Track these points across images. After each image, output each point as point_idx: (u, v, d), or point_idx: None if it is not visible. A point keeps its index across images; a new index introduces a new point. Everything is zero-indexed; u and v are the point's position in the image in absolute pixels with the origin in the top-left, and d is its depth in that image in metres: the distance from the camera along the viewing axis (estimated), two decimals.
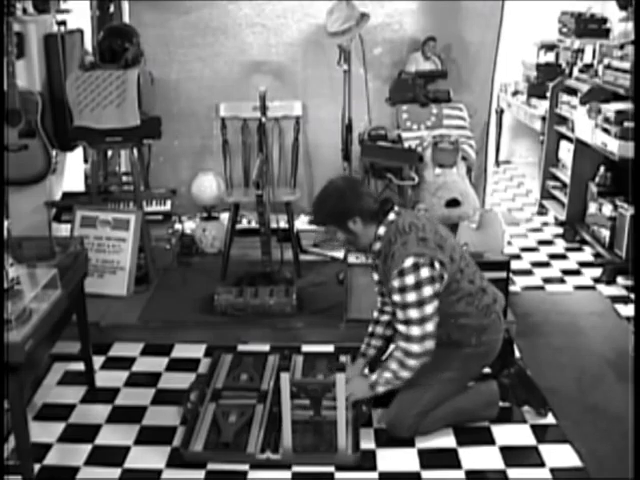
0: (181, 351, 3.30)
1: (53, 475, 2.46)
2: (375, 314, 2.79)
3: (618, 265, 4.06)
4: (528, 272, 4.21)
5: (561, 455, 2.54)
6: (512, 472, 2.46)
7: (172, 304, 3.55)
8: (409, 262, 2.35)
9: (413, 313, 2.37)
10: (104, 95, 3.48)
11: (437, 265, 2.37)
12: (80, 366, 2.98)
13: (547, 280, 4.11)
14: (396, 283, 2.38)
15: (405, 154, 3.62)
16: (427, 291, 2.35)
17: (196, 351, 3.28)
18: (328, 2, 3.72)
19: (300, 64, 4.12)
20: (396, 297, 2.40)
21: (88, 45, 3.98)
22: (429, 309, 2.37)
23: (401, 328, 2.42)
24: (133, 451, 2.58)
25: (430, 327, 2.39)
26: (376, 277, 2.66)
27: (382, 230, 2.49)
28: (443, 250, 2.42)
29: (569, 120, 4.76)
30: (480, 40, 4.05)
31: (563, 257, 4.46)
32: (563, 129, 4.90)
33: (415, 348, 2.40)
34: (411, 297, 2.35)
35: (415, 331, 2.39)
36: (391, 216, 2.49)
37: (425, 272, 2.34)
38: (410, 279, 2.34)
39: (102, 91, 3.48)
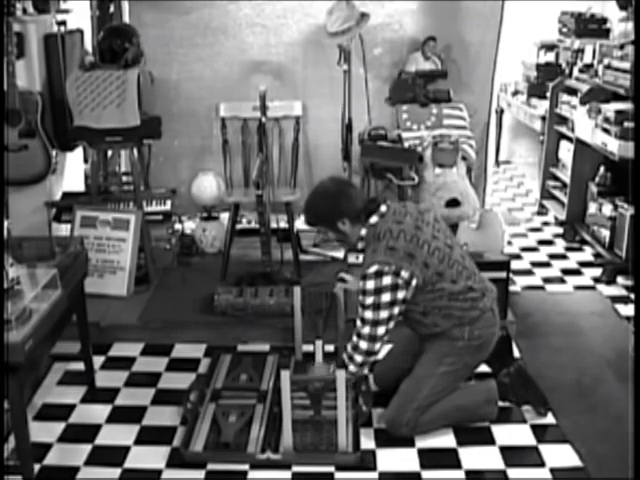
0: (181, 351, 3.30)
1: (53, 475, 2.46)
2: None
3: (618, 265, 4.06)
4: (528, 272, 4.21)
5: (561, 455, 2.54)
6: (512, 472, 2.46)
7: (172, 304, 3.55)
8: (372, 269, 2.45)
9: (368, 314, 2.48)
10: (104, 95, 3.48)
11: (404, 273, 2.44)
12: (80, 366, 2.98)
13: (547, 280, 4.11)
14: (360, 285, 2.50)
15: (405, 154, 3.62)
16: (385, 297, 2.44)
17: (196, 351, 3.28)
18: (328, 2, 3.72)
19: (300, 64, 4.12)
20: (359, 297, 2.52)
21: (88, 45, 3.98)
22: (384, 314, 2.46)
23: (357, 323, 2.54)
24: (133, 451, 2.58)
25: (381, 331, 2.49)
26: None
27: (364, 232, 2.58)
28: (414, 258, 2.46)
29: (569, 120, 4.76)
30: (480, 40, 4.05)
31: (563, 257, 4.46)
32: (563, 129, 4.90)
33: (363, 345, 2.52)
34: (369, 300, 2.46)
35: (366, 330, 2.49)
36: (373, 219, 2.57)
37: (387, 280, 2.43)
38: (370, 284, 2.44)
39: (102, 91, 3.47)
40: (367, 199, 2.66)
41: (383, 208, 2.58)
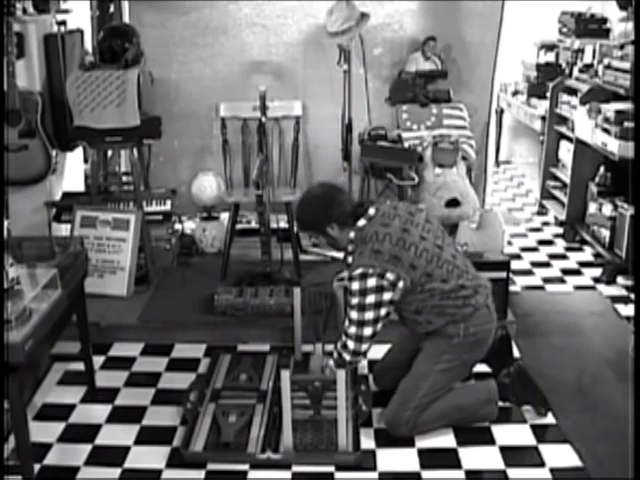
0: (181, 351, 3.30)
1: (53, 475, 2.47)
2: None
3: (618, 265, 4.05)
4: (528, 272, 4.21)
5: (561, 455, 2.54)
6: (512, 472, 2.46)
7: (172, 304, 3.55)
8: (357, 272, 2.49)
9: (354, 314, 2.51)
10: (104, 95, 3.48)
11: (389, 275, 2.46)
12: (80, 366, 2.98)
13: (547, 280, 4.11)
14: (347, 285, 2.56)
15: (405, 154, 3.63)
16: (370, 299, 2.47)
17: (196, 351, 3.28)
18: (328, 2, 3.72)
19: (300, 64, 4.13)
20: (348, 297, 2.57)
21: (88, 45, 3.98)
22: (369, 315, 2.49)
23: (346, 323, 2.57)
24: (133, 451, 2.58)
25: (367, 332, 2.52)
26: None
27: (352, 235, 2.61)
28: (400, 261, 2.48)
29: (569, 120, 4.76)
30: (480, 40, 4.06)
31: (563, 257, 4.46)
32: (563, 129, 4.89)
33: (350, 344, 2.55)
34: (354, 301, 2.50)
35: (352, 330, 2.53)
36: (361, 222, 2.59)
37: (372, 282, 2.46)
38: (355, 285, 2.48)
39: (102, 91, 3.47)
40: (356, 203, 2.69)
41: (371, 211, 2.60)
